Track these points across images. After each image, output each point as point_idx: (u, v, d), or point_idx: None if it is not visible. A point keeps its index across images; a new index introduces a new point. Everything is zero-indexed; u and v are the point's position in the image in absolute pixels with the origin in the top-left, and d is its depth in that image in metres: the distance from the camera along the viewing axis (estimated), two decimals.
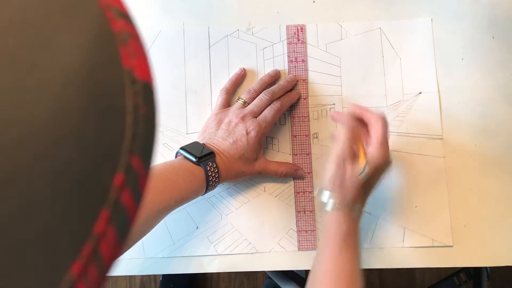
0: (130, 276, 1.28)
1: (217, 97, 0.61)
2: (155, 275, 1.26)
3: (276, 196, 0.60)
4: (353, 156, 0.51)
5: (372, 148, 0.50)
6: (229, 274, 1.28)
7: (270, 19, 0.63)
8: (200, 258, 0.59)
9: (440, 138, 0.60)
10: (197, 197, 0.54)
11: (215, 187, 0.55)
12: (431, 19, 0.62)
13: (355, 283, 0.48)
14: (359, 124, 0.53)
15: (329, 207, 0.51)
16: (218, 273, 1.27)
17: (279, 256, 0.59)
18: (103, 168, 0.16)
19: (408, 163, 0.60)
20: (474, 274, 0.83)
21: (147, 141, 0.18)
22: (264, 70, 0.62)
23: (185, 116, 0.62)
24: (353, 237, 0.50)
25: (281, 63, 0.62)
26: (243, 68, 0.62)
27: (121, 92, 0.17)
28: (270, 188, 0.60)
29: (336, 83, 0.62)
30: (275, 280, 0.81)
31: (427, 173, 0.59)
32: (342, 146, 0.51)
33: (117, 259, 0.17)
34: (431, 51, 0.62)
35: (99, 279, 0.16)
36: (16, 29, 0.15)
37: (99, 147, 0.16)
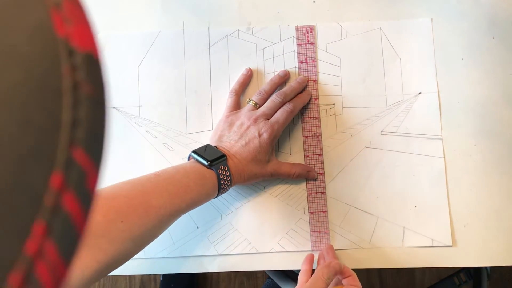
0: (130, 276, 1.29)
1: (226, 99, 0.61)
2: (155, 275, 1.26)
3: (276, 196, 0.60)
4: None
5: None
6: (229, 274, 1.28)
7: (270, 19, 0.63)
8: (200, 258, 0.59)
9: (439, 138, 0.60)
10: (209, 200, 0.54)
11: (227, 190, 0.55)
12: (431, 19, 0.62)
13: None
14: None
15: None
16: (218, 273, 1.27)
17: (279, 256, 0.59)
18: (34, 166, 0.12)
19: (408, 163, 0.60)
20: (474, 274, 0.83)
21: (93, 127, 0.14)
22: (264, 70, 0.62)
23: (185, 116, 0.62)
24: None
25: (281, 63, 0.62)
26: (249, 68, 0.62)
27: (55, 66, 0.13)
28: (270, 188, 0.60)
29: (336, 83, 0.62)
30: (275, 280, 0.81)
31: (427, 173, 0.59)
32: (327, 282, 0.51)
33: (63, 282, 0.13)
34: (431, 51, 0.62)
35: None
36: None
37: (26, 141, 0.12)
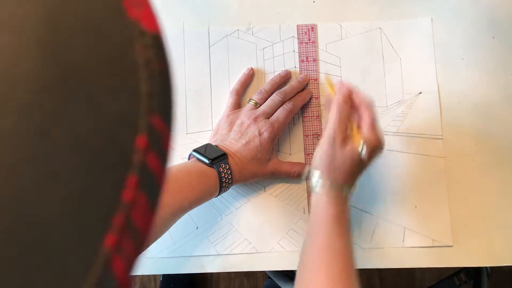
0: None
1: (227, 99, 0.61)
2: (155, 275, 1.26)
3: (276, 196, 0.60)
4: (344, 137, 0.50)
5: (368, 127, 0.50)
6: (229, 274, 1.28)
7: (270, 19, 0.63)
8: (200, 258, 0.59)
9: (440, 138, 0.60)
10: (210, 198, 0.54)
11: (229, 189, 0.55)
12: (431, 19, 0.62)
13: (347, 264, 0.47)
14: (350, 106, 0.52)
15: (318, 188, 0.50)
16: (218, 273, 1.27)
17: (279, 256, 0.59)
18: (122, 131, 0.14)
19: (408, 163, 0.60)
20: (474, 274, 0.83)
21: (165, 98, 0.16)
22: (264, 70, 0.62)
23: (185, 116, 0.62)
24: (342, 219, 0.49)
25: (281, 63, 0.62)
26: (251, 68, 0.62)
27: (130, 45, 0.15)
28: (270, 188, 0.60)
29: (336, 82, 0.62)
30: (275, 280, 0.81)
31: (427, 173, 0.59)
32: (334, 127, 0.50)
33: (151, 228, 0.16)
34: (431, 51, 0.62)
35: (135, 250, 0.15)
36: None
37: (114, 108, 0.14)
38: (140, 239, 0.15)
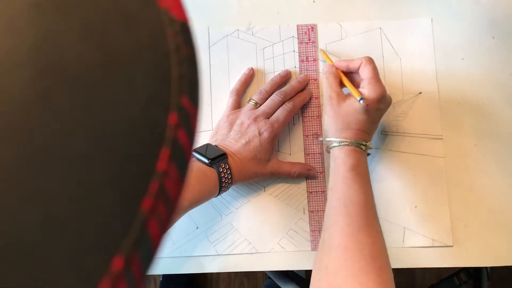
0: None
1: (227, 99, 0.61)
2: (154, 276, 1.26)
3: (276, 196, 0.60)
4: (341, 94, 0.54)
5: (367, 83, 0.53)
6: (229, 274, 1.28)
7: (270, 19, 0.63)
8: (200, 258, 0.59)
9: (440, 138, 0.60)
10: (210, 198, 0.54)
11: (228, 189, 0.55)
12: (431, 19, 0.62)
13: (367, 212, 0.48)
14: (343, 69, 0.57)
15: (334, 144, 0.52)
16: (218, 273, 1.27)
17: (279, 256, 0.59)
18: (157, 108, 0.16)
19: (408, 163, 0.60)
20: (474, 274, 0.83)
21: (193, 81, 0.18)
22: (264, 70, 0.62)
23: None
24: (361, 167, 0.51)
25: (281, 63, 0.62)
26: (252, 68, 0.62)
27: (162, 32, 0.17)
28: (270, 188, 0.60)
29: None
30: (275, 280, 0.81)
31: (427, 173, 0.59)
32: (330, 87, 0.55)
33: (181, 196, 0.17)
34: (431, 51, 0.62)
35: (168, 216, 0.16)
36: None
37: (150, 88, 0.16)
38: (172, 205, 0.17)
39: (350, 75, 0.57)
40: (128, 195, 0.15)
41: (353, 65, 0.56)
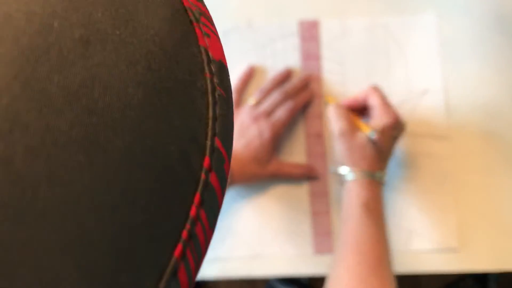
0: None
1: None
2: None
3: (277, 197, 0.59)
4: (352, 128, 0.52)
5: (376, 112, 0.52)
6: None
7: (271, 15, 0.62)
8: None
9: (446, 138, 0.58)
10: None
11: (227, 190, 0.54)
12: (437, 15, 0.61)
13: (380, 251, 0.47)
14: (353, 109, 0.56)
15: (349, 177, 0.51)
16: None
17: (280, 259, 0.57)
18: (193, 149, 0.16)
19: (413, 163, 0.58)
20: (481, 279, 0.81)
21: (226, 123, 0.17)
22: (265, 67, 0.61)
23: None
24: (375, 203, 0.49)
25: (282, 60, 0.61)
26: (251, 66, 0.61)
27: (201, 71, 0.17)
28: (271, 189, 0.59)
29: (340, 81, 0.60)
30: (276, 283, 0.79)
31: (433, 174, 0.58)
32: (339, 122, 0.53)
33: (209, 244, 0.17)
34: (437, 48, 0.60)
35: (196, 263, 0.16)
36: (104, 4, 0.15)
37: (186, 127, 0.15)
38: (201, 253, 0.16)
39: (358, 111, 0.56)
40: (164, 239, 0.15)
41: (360, 98, 0.55)
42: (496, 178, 0.58)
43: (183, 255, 0.15)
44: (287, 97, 0.57)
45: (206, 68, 0.17)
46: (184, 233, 0.15)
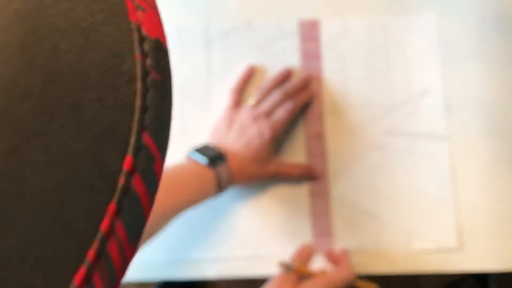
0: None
1: (226, 97, 0.60)
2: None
3: (277, 198, 0.58)
4: None
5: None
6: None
7: (271, 15, 0.62)
8: (198, 262, 0.57)
9: (446, 138, 0.58)
10: (206, 200, 0.53)
11: (226, 190, 0.54)
12: (438, 15, 0.61)
13: None
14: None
15: None
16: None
17: (275, 260, 0.57)
18: (108, 147, 0.13)
19: (413, 163, 0.58)
20: (482, 279, 0.81)
21: (160, 114, 0.14)
22: (265, 67, 0.61)
23: (182, 115, 0.60)
24: None
25: (282, 60, 0.61)
26: (251, 66, 0.60)
27: (129, 52, 0.14)
28: (271, 189, 0.59)
29: (340, 80, 0.60)
30: None
31: (433, 174, 0.58)
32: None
33: (129, 265, 0.14)
34: (437, 48, 0.60)
35: (110, 286, 0.13)
36: None
37: (102, 123, 0.13)
38: (115, 274, 0.13)
39: None
40: (58, 264, 0.12)
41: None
42: (496, 178, 0.58)
43: (86, 280, 0.12)
44: (287, 97, 0.57)
45: (137, 48, 0.14)
46: (90, 254, 0.12)
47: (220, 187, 0.52)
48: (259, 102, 0.57)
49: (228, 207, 0.59)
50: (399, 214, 0.57)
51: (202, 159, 0.52)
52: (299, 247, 0.56)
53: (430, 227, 0.57)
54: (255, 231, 0.58)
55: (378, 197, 0.58)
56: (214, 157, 0.52)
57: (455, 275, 0.87)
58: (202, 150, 0.53)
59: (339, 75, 0.60)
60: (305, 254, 0.55)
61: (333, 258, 0.55)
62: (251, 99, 0.58)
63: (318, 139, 0.59)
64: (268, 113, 0.56)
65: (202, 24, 0.62)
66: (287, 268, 0.53)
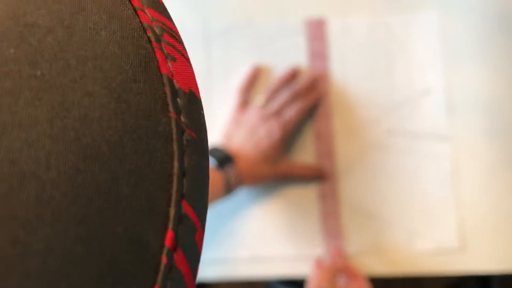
0: None
1: (233, 97, 0.59)
2: None
3: (284, 198, 0.58)
4: None
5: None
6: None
7: (271, 13, 0.61)
8: (204, 263, 0.57)
9: (448, 138, 0.58)
10: (216, 201, 0.52)
11: (236, 192, 0.54)
12: (439, 14, 0.60)
13: None
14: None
15: None
16: None
17: (285, 261, 0.57)
18: (147, 226, 0.11)
19: (415, 163, 0.58)
20: (485, 281, 0.80)
21: (198, 177, 0.13)
22: (271, 66, 0.60)
23: None
24: None
25: (288, 59, 0.60)
26: (257, 66, 0.60)
27: (161, 110, 0.12)
28: (279, 189, 0.58)
29: (343, 80, 0.60)
30: (277, 285, 0.79)
31: (435, 174, 0.57)
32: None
33: None
34: (438, 47, 0.60)
35: None
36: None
37: (139, 196, 0.11)
38: None
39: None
40: None
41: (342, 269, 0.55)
42: (498, 178, 0.57)
43: None
44: (296, 97, 0.57)
45: (171, 104, 0.12)
46: None
47: (228, 189, 0.51)
48: (267, 102, 0.57)
49: (236, 208, 0.58)
50: (401, 215, 0.57)
51: (212, 162, 0.51)
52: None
53: (432, 227, 0.56)
54: (263, 232, 0.57)
55: (380, 197, 0.57)
56: (223, 159, 0.51)
57: (457, 277, 0.86)
58: (211, 152, 0.52)
59: (342, 74, 0.60)
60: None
61: (350, 273, 0.54)
62: (258, 99, 0.57)
63: (326, 140, 0.59)
64: (278, 113, 0.56)
65: (202, 23, 0.61)
66: None
